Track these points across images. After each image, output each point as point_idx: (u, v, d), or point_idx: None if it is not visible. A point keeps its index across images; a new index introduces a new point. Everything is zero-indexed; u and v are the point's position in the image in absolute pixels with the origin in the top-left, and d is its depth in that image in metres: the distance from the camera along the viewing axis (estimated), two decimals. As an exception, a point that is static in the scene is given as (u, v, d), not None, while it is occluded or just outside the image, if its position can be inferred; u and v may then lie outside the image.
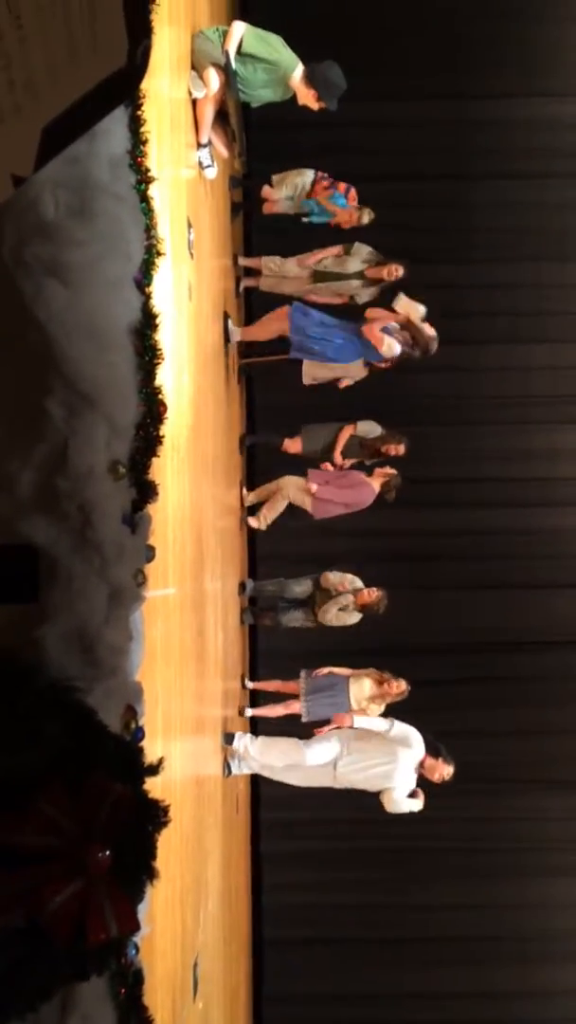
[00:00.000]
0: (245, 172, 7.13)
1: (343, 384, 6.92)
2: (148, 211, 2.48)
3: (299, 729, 6.51)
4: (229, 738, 5.93)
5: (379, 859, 7.76)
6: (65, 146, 1.13)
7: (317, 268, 6.78)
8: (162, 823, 1.83)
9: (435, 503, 7.82)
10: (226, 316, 6.25)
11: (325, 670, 6.48)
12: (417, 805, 5.96)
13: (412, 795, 5.94)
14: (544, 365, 7.97)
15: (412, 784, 5.95)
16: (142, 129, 2.47)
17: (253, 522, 6.87)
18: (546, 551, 7.94)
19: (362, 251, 6.75)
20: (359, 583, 6.71)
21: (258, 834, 7.74)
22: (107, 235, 2.20)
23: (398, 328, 6.46)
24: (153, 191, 2.52)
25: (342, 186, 6.63)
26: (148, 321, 2.41)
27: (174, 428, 3.34)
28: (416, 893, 7.78)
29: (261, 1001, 7.68)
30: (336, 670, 6.50)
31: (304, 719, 6.43)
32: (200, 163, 4.90)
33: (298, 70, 5.19)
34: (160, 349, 2.47)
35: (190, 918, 3.88)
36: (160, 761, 2.00)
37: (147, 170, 2.48)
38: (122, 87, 1.15)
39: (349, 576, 6.76)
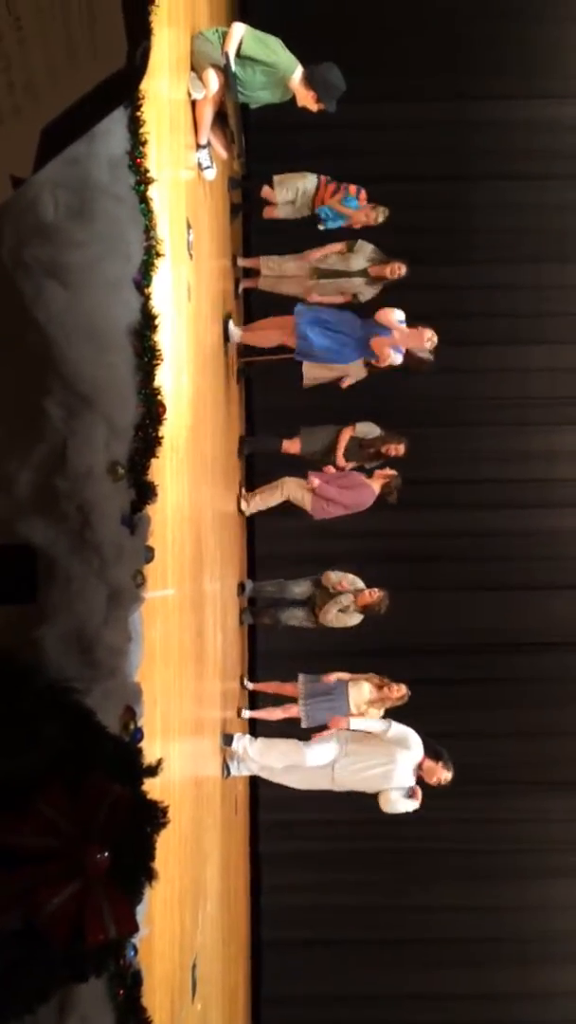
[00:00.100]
0: (244, 173, 7.14)
1: (345, 383, 6.92)
2: (147, 212, 2.48)
3: (298, 731, 6.51)
4: (228, 739, 5.92)
5: (379, 860, 7.76)
6: (64, 147, 1.13)
7: (321, 267, 6.77)
8: (161, 824, 1.83)
9: (434, 504, 7.82)
10: (227, 317, 6.26)
11: (333, 676, 6.45)
12: (413, 805, 5.95)
13: (410, 794, 5.94)
14: (543, 367, 7.96)
15: (410, 783, 5.95)
16: (141, 130, 2.47)
17: (243, 503, 6.86)
18: (545, 552, 7.94)
19: (366, 248, 6.75)
20: (360, 583, 6.71)
21: (257, 835, 7.73)
22: (106, 236, 2.20)
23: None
24: (152, 192, 2.53)
25: (352, 188, 6.62)
26: (147, 322, 2.41)
27: (173, 429, 3.34)
28: (416, 894, 7.77)
29: (260, 1002, 7.68)
30: (339, 675, 6.50)
31: (304, 724, 6.42)
32: (199, 164, 4.90)
33: (297, 72, 5.19)
34: (159, 350, 2.47)
35: (189, 919, 3.88)
36: (159, 762, 2.00)
37: (146, 171, 2.48)
38: (121, 88, 1.15)
39: (350, 576, 6.75)
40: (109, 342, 2.22)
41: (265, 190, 6.76)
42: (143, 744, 2.31)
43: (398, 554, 7.71)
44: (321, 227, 6.70)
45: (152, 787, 1.92)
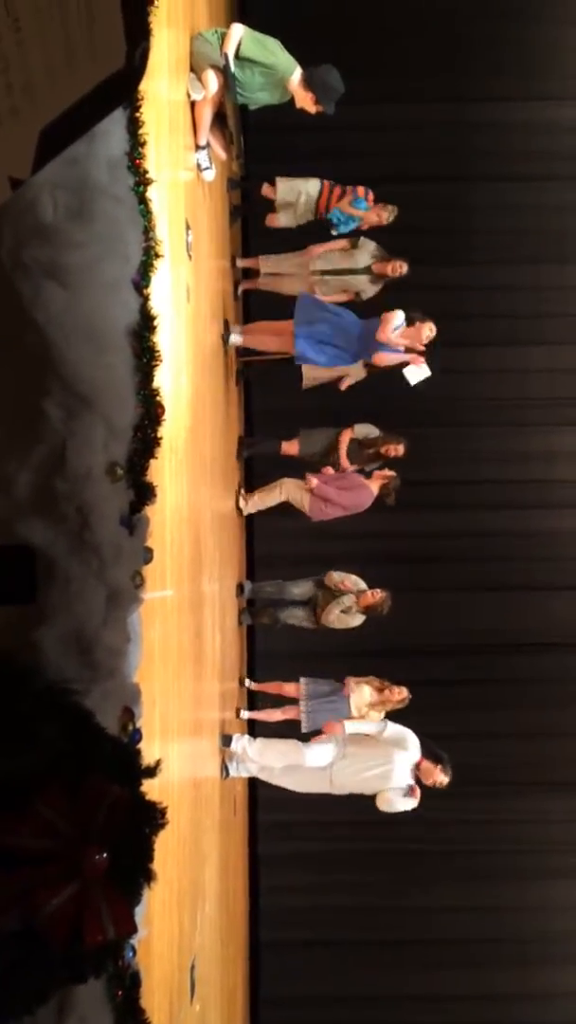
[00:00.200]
0: (243, 174, 7.13)
1: (344, 385, 6.92)
2: (146, 213, 2.48)
3: (297, 732, 6.50)
4: (227, 740, 5.92)
5: (378, 861, 7.75)
6: (63, 148, 1.13)
7: (325, 266, 6.76)
8: (159, 825, 1.83)
9: (433, 505, 7.82)
10: (227, 323, 6.26)
11: (354, 681, 6.45)
12: (411, 804, 5.95)
13: (408, 793, 5.93)
14: (542, 367, 7.97)
15: (408, 782, 5.94)
16: (141, 131, 2.47)
17: (242, 502, 6.86)
18: (544, 553, 7.94)
19: (369, 245, 6.74)
20: (362, 584, 6.70)
21: (256, 836, 7.73)
22: (105, 237, 2.20)
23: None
24: (151, 193, 2.53)
25: (360, 189, 6.62)
26: (146, 323, 2.41)
27: (172, 430, 3.34)
28: (415, 895, 7.77)
29: (258, 1004, 7.67)
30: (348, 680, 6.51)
31: (304, 728, 6.41)
32: (198, 165, 4.90)
33: (296, 74, 5.20)
34: (158, 351, 2.47)
35: (187, 920, 3.88)
36: (158, 763, 2.00)
37: (145, 172, 2.48)
38: (120, 89, 1.15)
39: (353, 577, 6.75)
40: (108, 343, 2.22)
41: (265, 188, 6.75)
42: (142, 745, 2.31)
43: (398, 555, 7.71)
44: (334, 232, 6.68)
45: (151, 788, 1.92)
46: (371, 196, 6.64)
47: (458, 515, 7.91)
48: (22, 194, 1.96)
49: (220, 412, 5.75)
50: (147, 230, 2.48)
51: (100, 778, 1.76)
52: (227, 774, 5.94)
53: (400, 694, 6.28)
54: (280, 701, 6.85)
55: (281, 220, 6.70)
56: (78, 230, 2.11)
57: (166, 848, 3.04)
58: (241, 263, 7.08)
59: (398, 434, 6.81)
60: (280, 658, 7.40)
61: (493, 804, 7.70)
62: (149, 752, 2.53)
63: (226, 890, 5.69)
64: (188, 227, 4.24)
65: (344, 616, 6.61)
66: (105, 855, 1.69)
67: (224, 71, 4.77)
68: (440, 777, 5.85)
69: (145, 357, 2.39)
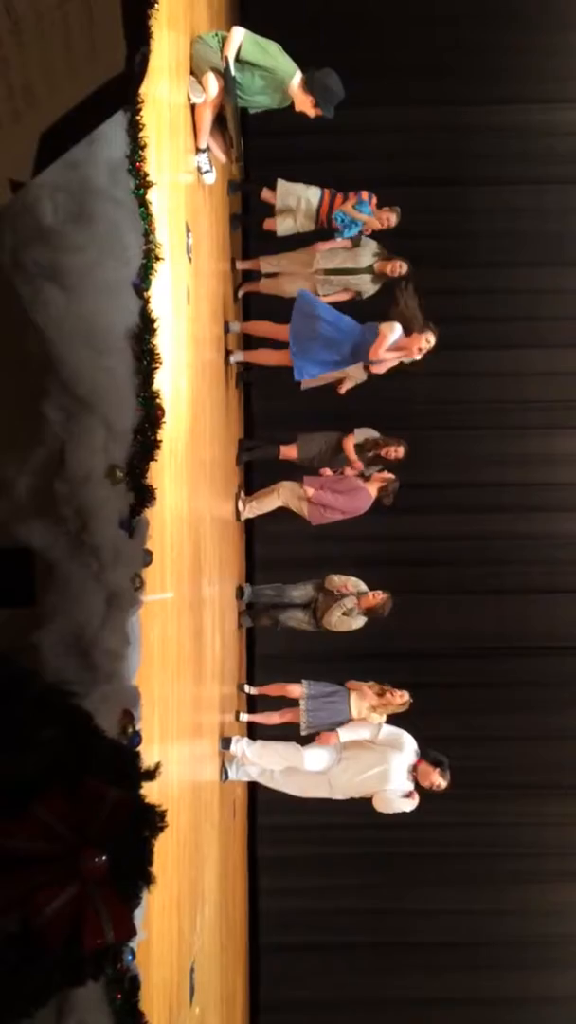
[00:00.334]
0: (243, 177, 7.14)
1: (344, 387, 6.92)
2: (147, 216, 2.48)
3: (296, 735, 6.50)
4: (226, 742, 5.92)
5: (377, 864, 7.74)
6: (64, 151, 1.13)
7: (328, 265, 6.76)
8: (159, 828, 1.82)
9: (433, 508, 7.82)
10: (226, 324, 6.28)
11: (355, 686, 6.44)
12: (409, 805, 5.95)
13: (407, 796, 5.93)
14: (541, 371, 7.97)
15: (406, 785, 5.94)
16: (141, 134, 2.47)
17: (241, 506, 6.86)
18: (544, 556, 7.95)
19: (371, 244, 6.75)
20: (363, 586, 6.70)
21: (255, 839, 7.72)
22: (106, 240, 2.20)
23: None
24: (152, 196, 2.53)
25: (364, 194, 6.63)
26: (146, 325, 2.41)
27: (172, 432, 3.34)
28: (415, 898, 7.76)
29: (258, 1007, 7.66)
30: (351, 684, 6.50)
31: (303, 730, 6.41)
32: (199, 168, 4.91)
33: (296, 77, 5.21)
34: (158, 353, 2.47)
35: (187, 923, 3.88)
36: (157, 766, 1.99)
37: (146, 175, 2.48)
38: (121, 93, 1.15)
39: (353, 579, 6.75)
40: (108, 345, 2.22)
41: (265, 192, 6.76)
42: (141, 748, 2.30)
43: (397, 558, 7.71)
44: (338, 236, 6.68)
45: (150, 791, 1.91)
46: (375, 200, 6.64)
47: (458, 518, 7.91)
48: (22, 197, 1.96)
49: (220, 415, 5.75)
50: (147, 233, 2.48)
51: (99, 781, 1.76)
52: (226, 777, 5.94)
53: (401, 697, 6.28)
54: (280, 704, 6.85)
55: (280, 228, 6.68)
56: (78, 233, 2.11)
57: (165, 851, 3.04)
58: (241, 265, 7.08)
59: (398, 437, 6.81)
60: (280, 661, 7.39)
61: (493, 807, 7.69)
62: (148, 755, 2.52)
63: (225, 893, 5.68)
64: (188, 230, 4.25)
65: (345, 618, 6.61)
66: (104, 858, 1.69)
67: (224, 74, 4.78)
68: (438, 780, 5.84)
69: (145, 360, 2.39)
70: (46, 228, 2.06)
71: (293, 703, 6.60)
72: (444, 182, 7.88)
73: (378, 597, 6.58)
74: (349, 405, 7.06)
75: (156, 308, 2.53)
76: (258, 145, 7.22)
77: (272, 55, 5.12)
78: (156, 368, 2.45)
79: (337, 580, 6.73)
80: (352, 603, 6.57)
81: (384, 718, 6.29)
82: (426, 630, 7.73)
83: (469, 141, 7.91)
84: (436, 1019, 7.70)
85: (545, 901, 7.83)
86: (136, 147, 2.43)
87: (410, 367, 6.52)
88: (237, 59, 4.93)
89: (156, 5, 2.40)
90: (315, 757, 6.09)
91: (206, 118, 4.83)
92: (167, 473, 3.34)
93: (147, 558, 2.53)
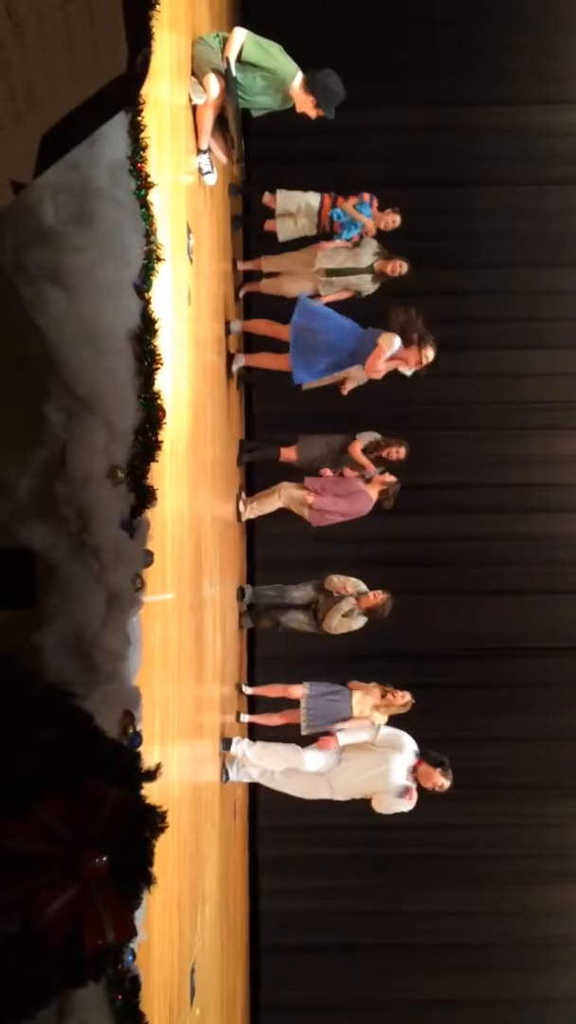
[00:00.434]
0: (244, 179, 7.14)
1: (346, 389, 6.92)
2: (148, 216, 2.48)
3: (298, 734, 6.50)
4: (227, 743, 5.92)
5: (378, 865, 7.74)
6: (65, 152, 1.13)
7: (330, 266, 6.76)
8: (160, 829, 1.82)
9: (434, 509, 7.82)
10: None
11: (356, 687, 6.45)
12: (407, 806, 5.95)
13: (403, 793, 5.93)
14: (541, 371, 7.98)
15: (407, 786, 5.94)
16: (142, 135, 2.47)
17: (242, 506, 6.86)
18: (545, 557, 7.95)
19: (372, 243, 6.75)
20: (363, 586, 6.70)
21: (256, 840, 7.72)
22: (107, 240, 2.20)
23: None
24: (153, 197, 2.53)
25: (367, 195, 6.63)
26: (147, 326, 2.41)
27: (173, 433, 3.34)
28: (415, 899, 7.75)
29: (259, 1008, 7.66)
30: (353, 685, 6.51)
31: (304, 731, 6.41)
32: (200, 169, 4.91)
33: (297, 78, 5.21)
34: (159, 354, 2.47)
35: (187, 924, 3.87)
36: (158, 767, 1.99)
37: (147, 176, 2.48)
38: (122, 93, 1.16)
39: (352, 579, 6.74)
40: (109, 346, 2.22)
41: (266, 197, 6.77)
42: (142, 748, 2.30)
43: (398, 559, 7.71)
44: (337, 238, 6.68)
45: (151, 792, 1.91)
46: (376, 202, 6.65)
47: (458, 519, 7.91)
48: (24, 198, 1.96)
49: (221, 416, 5.76)
50: (148, 234, 2.48)
51: (100, 782, 1.76)
52: (227, 778, 5.94)
53: (403, 698, 6.29)
54: (280, 705, 6.85)
55: (281, 233, 6.68)
56: (79, 234, 2.11)
57: (166, 852, 3.04)
58: (243, 266, 7.08)
59: (399, 437, 6.81)
60: (281, 662, 7.39)
61: (494, 808, 7.69)
62: (149, 755, 2.52)
63: (226, 894, 5.68)
64: (189, 231, 4.25)
65: (346, 620, 6.61)
66: (105, 859, 1.69)
67: (226, 75, 4.78)
68: (440, 780, 5.84)
69: (146, 360, 2.39)
70: (47, 229, 2.06)
71: (294, 703, 6.60)
72: (444, 183, 7.88)
73: (378, 597, 6.58)
74: (350, 406, 7.06)
75: (157, 309, 2.54)
76: (259, 146, 7.22)
77: (273, 56, 5.13)
78: (157, 369, 2.45)
79: (336, 581, 6.74)
80: (349, 605, 6.57)
81: (385, 719, 6.29)
82: (426, 631, 7.73)
83: (469, 142, 7.91)
84: (437, 1020, 7.69)
85: (546, 902, 7.83)
86: (137, 148, 2.43)
87: (408, 376, 6.54)
88: (238, 60, 4.93)
89: (157, 6, 2.40)
90: (315, 758, 6.09)
91: (207, 119, 4.83)
92: (168, 474, 3.34)
93: (148, 559, 2.53)
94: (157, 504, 2.54)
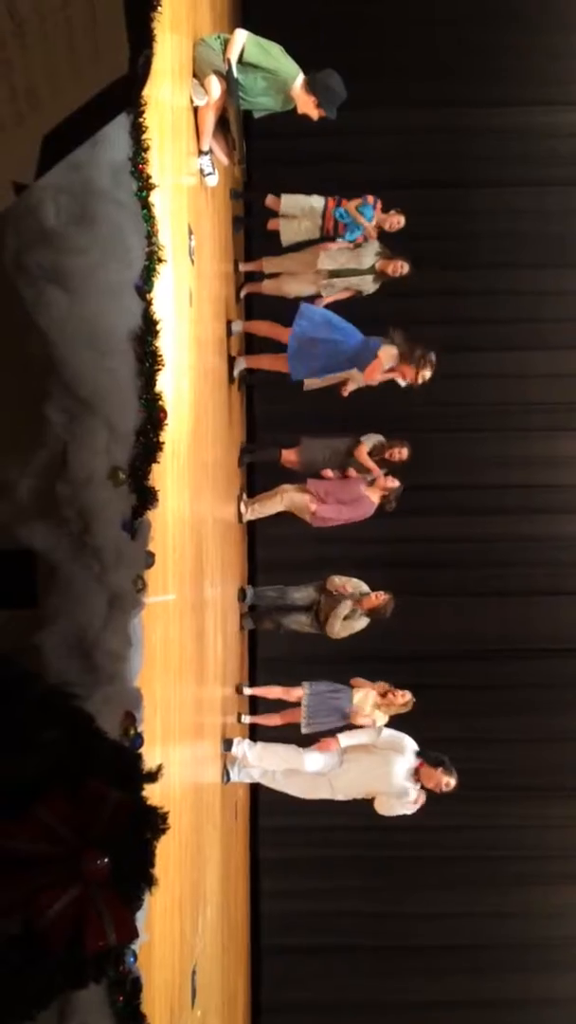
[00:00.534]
0: (245, 180, 7.15)
1: (346, 390, 6.92)
2: (149, 218, 2.48)
3: (298, 735, 6.50)
4: (228, 744, 5.92)
5: (379, 866, 7.74)
6: (66, 153, 1.13)
7: (331, 267, 6.77)
8: (161, 830, 1.82)
9: (436, 510, 7.82)
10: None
11: (368, 684, 6.45)
12: (410, 808, 5.95)
13: (414, 802, 5.93)
14: (544, 372, 7.97)
15: (408, 788, 5.94)
16: (144, 136, 2.47)
17: (243, 507, 6.87)
18: (547, 558, 7.94)
19: (374, 243, 6.76)
20: (365, 587, 6.70)
21: (257, 841, 7.71)
22: (108, 242, 2.20)
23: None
24: (154, 198, 2.53)
25: (370, 197, 6.64)
26: (149, 327, 2.41)
27: (174, 434, 3.34)
28: (416, 900, 7.75)
29: (260, 1009, 7.65)
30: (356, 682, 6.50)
31: (304, 729, 6.41)
32: (201, 170, 4.91)
33: (298, 79, 5.21)
34: (160, 355, 2.47)
35: (188, 926, 3.87)
36: (159, 768, 1.99)
37: (148, 177, 2.48)
38: (123, 95, 1.16)
39: (354, 580, 6.74)
40: (110, 347, 2.22)
41: (269, 199, 6.77)
42: (143, 750, 2.30)
43: (400, 560, 7.70)
44: (340, 238, 6.68)
45: (152, 793, 1.91)
46: (379, 204, 6.65)
47: (461, 520, 7.91)
48: (25, 199, 1.96)
49: (222, 417, 5.76)
50: (150, 235, 2.48)
51: (101, 783, 1.76)
52: (228, 779, 5.94)
53: (403, 697, 6.29)
54: (281, 705, 6.85)
55: (284, 236, 6.68)
56: (81, 235, 2.11)
57: (167, 853, 3.04)
58: (244, 267, 7.09)
59: (401, 438, 6.81)
60: (282, 663, 7.39)
61: (496, 809, 7.68)
62: (150, 757, 2.52)
63: (227, 895, 5.68)
64: (191, 232, 4.25)
65: (348, 622, 6.60)
66: (106, 860, 1.69)
67: (227, 76, 4.79)
68: (444, 779, 5.84)
69: (147, 361, 2.39)
70: (49, 230, 2.06)
71: (294, 703, 6.60)
72: (446, 184, 7.89)
73: (380, 598, 6.57)
74: (351, 408, 7.06)
75: (158, 310, 2.54)
76: (260, 148, 7.22)
77: (275, 57, 5.13)
78: (158, 370, 2.45)
79: (338, 581, 6.73)
80: (347, 608, 6.55)
81: (386, 718, 6.29)
82: (429, 632, 7.73)
83: (471, 143, 7.92)
84: (438, 1022, 7.68)
85: (547, 904, 7.82)
86: (139, 149, 2.43)
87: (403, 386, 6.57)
88: (240, 61, 4.93)
89: (159, 7, 2.40)
90: (315, 760, 6.09)
91: (209, 120, 4.83)
92: (169, 475, 3.34)
93: (149, 560, 2.53)
94: (158, 505, 2.54)
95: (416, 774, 5.92)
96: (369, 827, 6.88)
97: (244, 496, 7.02)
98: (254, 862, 7.68)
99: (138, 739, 2.31)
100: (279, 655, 7.52)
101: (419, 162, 7.83)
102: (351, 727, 6.32)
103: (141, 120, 2.47)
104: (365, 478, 6.76)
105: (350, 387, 6.91)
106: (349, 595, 6.61)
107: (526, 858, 7.80)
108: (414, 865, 7.71)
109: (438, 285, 7.70)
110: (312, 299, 6.83)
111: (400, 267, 6.67)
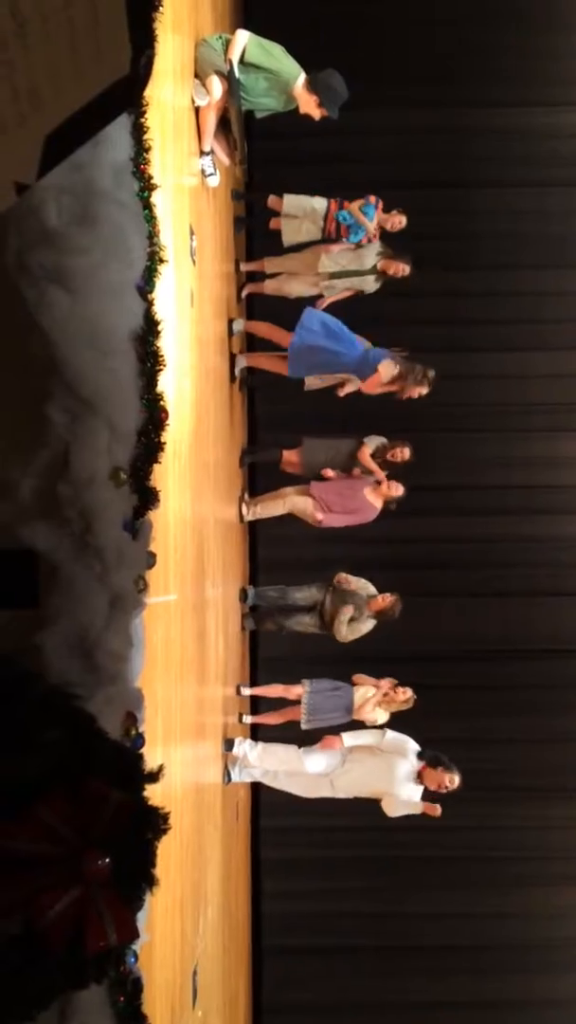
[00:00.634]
0: (247, 180, 7.15)
1: (344, 391, 6.93)
2: (151, 218, 2.48)
3: (300, 734, 6.50)
4: (229, 744, 5.92)
5: (381, 867, 7.73)
6: (68, 154, 1.13)
7: (333, 267, 6.77)
8: (162, 831, 1.82)
9: (437, 510, 7.81)
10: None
11: (371, 680, 6.45)
12: (415, 809, 5.96)
13: (429, 809, 5.94)
14: (545, 373, 7.97)
15: (412, 791, 5.94)
16: (145, 136, 2.47)
17: (244, 508, 6.87)
18: (548, 559, 7.94)
19: (375, 244, 6.76)
20: (372, 588, 6.70)
21: (258, 841, 7.71)
22: (110, 242, 2.20)
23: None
24: (156, 198, 2.53)
25: (372, 198, 6.64)
26: (150, 328, 2.41)
27: (175, 435, 3.34)
28: (418, 901, 7.75)
29: (261, 1010, 7.65)
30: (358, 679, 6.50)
31: (304, 726, 6.41)
32: (203, 171, 4.91)
33: (300, 79, 5.22)
34: (162, 355, 2.47)
35: (189, 926, 3.87)
36: (160, 768, 1.99)
37: (150, 177, 2.49)
38: (125, 95, 1.16)
39: (362, 580, 6.74)
40: (112, 347, 2.22)
41: (272, 200, 6.77)
42: (144, 750, 2.30)
43: (401, 560, 7.70)
44: (344, 239, 6.68)
45: (153, 793, 1.91)
46: (381, 204, 6.65)
47: (462, 520, 7.90)
48: (27, 199, 1.96)
49: (224, 417, 5.76)
50: (151, 235, 2.48)
51: (102, 783, 1.76)
52: (229, 779, 5.94)
53: (404, 694, 6.29)
54: (282, 704, 6.85)
55: (286, 237, 6.69)
56: (82, 235, 2.11)
57: (168, 853, 3.03)
58: (245, 267, 7.09)
59: (403, 439, 6.81)
60: (284, 663, 7.38)
61: (498, 810, 7.68)
62: (152, 757, 2.52)
63: (228, 895, 5.68)
64: (192, 232, 4.25)
65: (355, 624, 6.59)
66: (107, 860, 1.69)
67: (228, 77, 4.79)
68: (446, 778, 5.84)
69: (149, 362, 2.39)
70: (50, 230, 2.06)
71: (295, 701, 6.60)
72: (447, 184, 7.88)
73: (387, 600, 6.57)
74: (353, 408, 7.06)
75: (160, 310, 2.54)
76: (262, 148, 7.22)
77: (276, 57, 5.14)
78: (160, 370, 2.45)
79: (343, 577, 6.72)
80: (349, 614, 6.54)
81: (387, 716, 6.29)
82: (430, 633, 7.72)
83: (472, 144, 7.91)
84: (439, 1023, 7.68)
85: (549, 905, 7.82)
86: (140, 150, 2.44)
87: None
88: (241, 62, 4.94)
89: (161, 8, 2.40)
90: (316, 762, 6.09)
91: (210, 121, 4.84)
92: (171, 475, 3.34)
93: (151, 560, 2.53)
94: (160, 506, 2.54)
95: (419, 777, 5.92)
96: (370, 828, 6.88)
97: (246, 496, 7.02)
98: (255, 862, 7.68)
99: (139, 739, 2.31)
100: (281, 655, 7.52)
101: (420, 163, 7.83)
102: (353, 724, 6.32)
103: (143, 120, 2.48)
104: (369, 479, 6.76)
105: (348, 388, 6.91)
106: (353, 598, 6.61)
107: (527, 859, 7.79)
108: (415, 866, 7.71)
109: (439, 285, 7.70)
110: (314, 299, 6.84)
111: (402, 269, 6.68)
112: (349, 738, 6.06)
